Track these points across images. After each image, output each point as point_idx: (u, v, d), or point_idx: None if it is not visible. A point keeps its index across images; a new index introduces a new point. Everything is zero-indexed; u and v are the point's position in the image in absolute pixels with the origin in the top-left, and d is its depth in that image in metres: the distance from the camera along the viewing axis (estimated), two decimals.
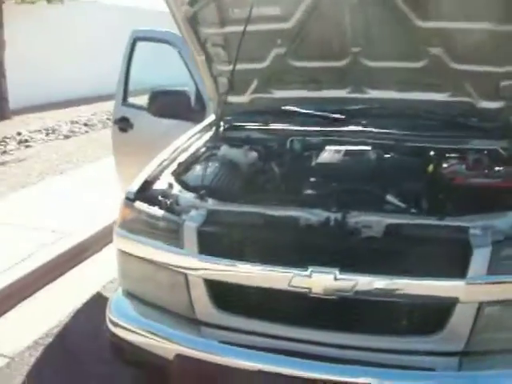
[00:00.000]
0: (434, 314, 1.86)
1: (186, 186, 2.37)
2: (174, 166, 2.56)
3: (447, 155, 2.64)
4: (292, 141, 2.90)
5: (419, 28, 2.39)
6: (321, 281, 1.85)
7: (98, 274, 3.96)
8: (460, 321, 1.82)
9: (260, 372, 1.92)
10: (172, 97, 3.49)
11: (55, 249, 4.19)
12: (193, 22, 2.55)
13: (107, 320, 2.30)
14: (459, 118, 2.79)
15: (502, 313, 1.85)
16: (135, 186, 2.33)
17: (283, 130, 2.94)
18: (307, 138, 2.88)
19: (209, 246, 2.04)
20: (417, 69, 2.62)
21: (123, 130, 4.21)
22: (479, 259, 1.79)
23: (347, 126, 2.84)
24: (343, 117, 2.89)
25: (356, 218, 1.95)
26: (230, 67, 2.82)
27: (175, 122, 3.66)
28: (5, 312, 3.52)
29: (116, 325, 2.25)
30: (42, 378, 2.89)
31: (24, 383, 2.83)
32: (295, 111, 3.02)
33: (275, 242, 2.00)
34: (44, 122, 10.16)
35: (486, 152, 2.61)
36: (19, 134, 9.14)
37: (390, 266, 1.84)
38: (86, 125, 10.23)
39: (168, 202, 2.21)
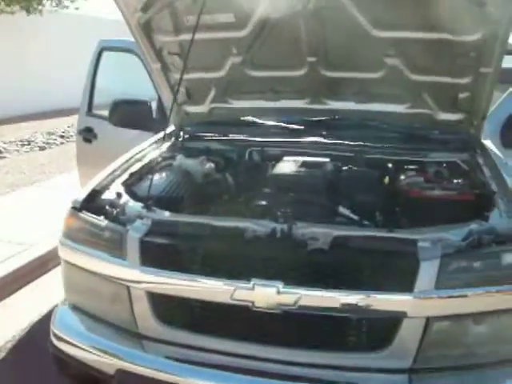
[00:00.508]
0: (381, 330, 1.80)
1: (135, 196, 2.30)
2: (126, 175, 2.49)
3: (406, 167, 2.62)
4: (249, 151, 2.87)
5: (375, 38, 2.37)
6: (264, 294, 1.78)
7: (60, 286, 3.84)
8: (407, 336, 1.76)
9: None
10: (133, 106, 3.42)
11: (17, 260, 4.08)
12: (147, 29, 2.50)
13: (51, 333, 2.22)
14: (419, 130, 2.78)
15: (450, 328, 1.80)
16: (82, 195, 2.26)
17: (242, 140, 2.90)
18: (265, 149, 2.85)
19: (151, 257, 1.97)
20: (375, 79, 2.60)
21: (87, 140, 4.14)
22: (426, 273, 1.74)
23: (306, 136, 2.82)
24: (302, 127, 2.87)
25: (303, 230, 1.89)
26: (187, 76, 2.79)
27: (139, 132, 3.60)
28: None
29: (58, 338, 2.16)
30: None
31: None
32: (254, 122, 2.99)
33: (219, 253, 1.94)
34: (20, 133, 10.03)
35: (445, 165, 2.60)
36: None
37: (336, 280, 1.79)
38: (61, 136, 10.12)
39: (114, 212, 2.14)
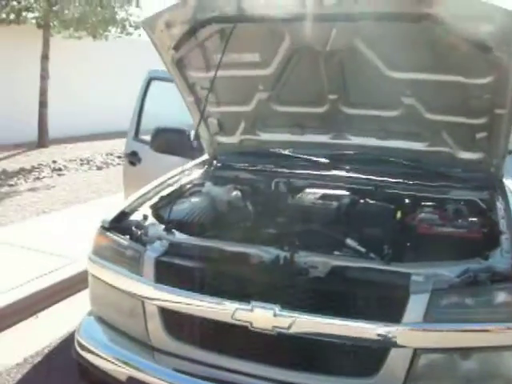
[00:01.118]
0: (370, 357, 1.88)
1: (160, 218, 2.49)
2: (156, 199, 2.70)
3: (422, 204, 2.69)
4: (273, 182, 3.02)
5: (391, 78, 2.48)
6: (261, 316, 1.92)
7: None
8: (395, 366, 1.84)
9: None
10: (173, 134, 3.65)
11: (60, 274, 4.37)
12: (180, 65, 2.72)
13: (75, 341, 2.42)
14: (441, 167, 2.84)
15: (438, 361, 1.86)
16: (111, 215, 2.48)
17: (269, 171, 3.06)
18: (288, 180, 2.99)
19: (165, 276, 2.15)
20: (393, 117, 2.70)
21: (132, 163, 4.42)
22: (415, 305, 1.82)
23: (329, 170, 2.94)
24: (327, 161, 3.00)
25: (304, 258, 2.02)
26: (218, 109, 2.99)
27: (178, 158, 3.82)
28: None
29: (81, 346, 2.36)
30: None
31: None
32: (283, 154, 3.15)
33: (226, 275, 2.09)
34: (80, 152, 10.59)
35: (462, 203, 2.65)
36: (54, 162, 9.56)
37: (330, 307, 1.89)
38: (119, 157, 10.59)
39: (138, 233, 2.34)
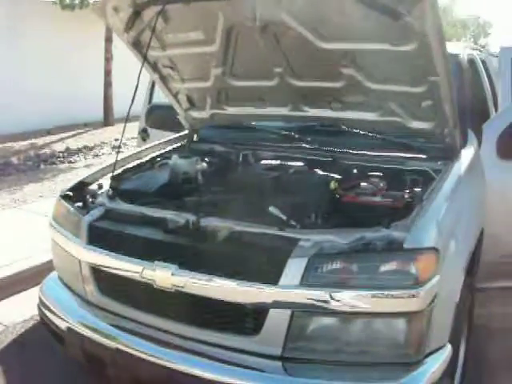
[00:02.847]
0: (254, 316, 1.99)
1: (115, 188, 2.71)
2: (120, 170, 2.93)
3: (369, 174, 2.71)
4: (240, 156, 3.15)
5: (323, 49, 2.50)
6: (161, 274, 2.09)
7: None
8: (275, 326, 1.94)
9: (117, 350, 2.21)
10: (165, 111, 3.86)
11: None
12: (137, 46, 2.88)
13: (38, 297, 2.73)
14: (396, 137, 2.83)
15: (313, 323, 1.94)
16: (70, 184, 2.75)
17: (241, 145, 3.19)
18: (253, 154, 3.11)
19: (95, 238, 2.38)
20: (339, 89, 2.72)
21: (143, 139, 4.70)
22: (293, 269, 1.90)
23: (291, 142, 3.03)
24: (291, 133, 3.08)
25: (209, 223, 2.16)
26: (183, 85, 3.16)
27: (174, 134, 4.04)
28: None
29: (40, 301, 2.65)
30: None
31: None
32: (257, 128, 3.27)
33: (143, 238, 2.27)
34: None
35: (410, 173, 2.64)
36: (116, 140, 10.15)
37: (219, 268, 2.02)
38: None
39: (89, 200, 2.59)
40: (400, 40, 2.30)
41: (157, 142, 3.41)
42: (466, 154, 2.76)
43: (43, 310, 2.60)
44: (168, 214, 2.28)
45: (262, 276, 1.95)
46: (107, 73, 11.41)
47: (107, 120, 11.55)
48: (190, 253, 2.13)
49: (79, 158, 8.83)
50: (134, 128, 11.68)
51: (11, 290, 4.04)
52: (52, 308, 2.53)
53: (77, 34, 11.34)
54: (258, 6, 2.42)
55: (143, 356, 2.13)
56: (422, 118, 2.69)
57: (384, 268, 1.89)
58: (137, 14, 2.66)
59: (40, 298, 2.66)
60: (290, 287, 1.90)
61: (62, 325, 2.44)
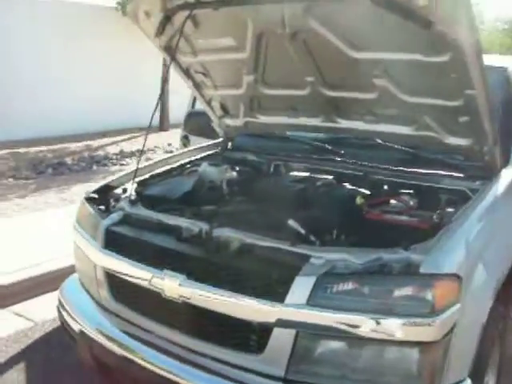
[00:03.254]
0: (258, 334, 1.91)
1: (139, 193, 2.70)
2: (148, 175, 2.92)
3: (401, 191, 2.58)
4: (272, 166, 3.08)
5: (355, 59, 2.39)
6: (169, 284, 2.05)
7: None
8: (279, 345, 1.85)
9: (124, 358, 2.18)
10: (203, 117, 3.83)
11: None
12: (169, 51, 2.86)
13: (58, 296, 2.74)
14: (432, 154, 2.68)
15: (320, 346, 1.83)
16: (94, 187, 2.75)
17: (274, 155, 3.12)
18: (284, 164, 3.03)
19: (111, 243, 2.36)
20: (372, 100, 2.60)
21: (185, 145, 4.72)
22: (300, 287, 1.81)
23: (323, 154, 2.93)
24: (324, 145, 2.99)
25: (222, 233, 2.10)
26: (216, 92, 3.12)
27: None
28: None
29: (60, 302, 2.67)
30: None
31: None
32: (291, 138, 3.19)
33: (156, 245, 2.23)
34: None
35: (445, 192, 2.49)
36: (169, 144, 10.31)
37: (227, 281, 1.95)
38: None
39: (111, 204, 2.59)
40: (432, 50, 2.17)
41: (191, 148, 3.39)
42: (508, 174, 2.57)
43: (61, 310, 2.61)
44: (183, 223, 2.23)
45: (268, 292, 1.87)
46: (165, 80, 11.59)
47: (162, 125, 11.77)
48: (199, 263, 2.08)
49: (131, 160, 8.99)
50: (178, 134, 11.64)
51: (51, 287, 4.12)
52: (68, 309, 2.54)
53: (135, 40, 11.60)
54: (286, 12, 2.35)
55: (147, 365, 2.09)
56: (459, 134, 2.53)
57: (398, 293, 1.76)
58: (167, 18, 2.64)
59: (59, 299, 2.67)
60: (296, 306, 1.80)
61: (76, 327, 2.44)
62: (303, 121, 3.00)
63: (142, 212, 2.43)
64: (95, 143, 10.33)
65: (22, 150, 9.13)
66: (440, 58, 2.16)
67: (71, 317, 2.49)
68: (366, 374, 1.80)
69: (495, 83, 3.04)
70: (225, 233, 2.09)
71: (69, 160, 8.74)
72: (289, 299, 1.81)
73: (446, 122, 2.51)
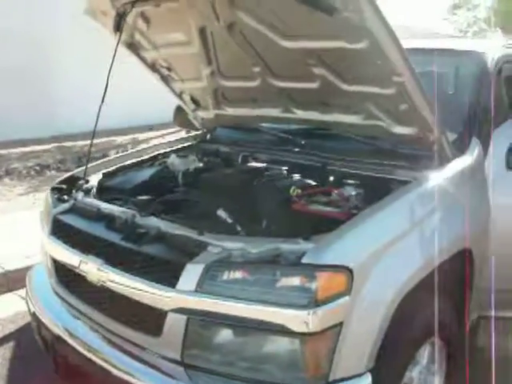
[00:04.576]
0: (157, 318, 1.96)
1: (100, 183, 2.84)
2: (114, 167, 3.06)
3: (347, 182, 2.55)
4: (238, 156, 3.12)
5: (287, 48, 2.39)
6: (90, 268, 2.17)
7: None
8: (173, 330, 1.91)
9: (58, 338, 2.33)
10: None
11: None
12: (133, 47, 2.96)
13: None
14: (383, 143, 2.62)
15: (206, 332, 1.88)
16: (61, 178, 2.92)
17: (239, 146, 3.17)
18: (243, 155, 3.06)
19: (56, 230, 2.52)
20: (316, 90, 2.58)
21: None
22: (190, 274, 1.87)
23: (287, 145, 2.93)
24: (288, 136, 2.99)
25: (140, 221, 2.20)
26: (184, 85, 3.20)
27: None
28: None
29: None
30: None
31: None
32: (256, 129, 3.22)
33: (90, 233, 2.34)
34: None
35: (392, 182, 2.44)
36: None
37: (135, 267, 2.04)
38: None
39: (70, 194, 2.74)
40: (352, 37, 2.13)
41: (171, 140, 3.50)
42: (460, 164, 2.48)
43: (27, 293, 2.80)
44: (117, 212, 2.34)
45: (164, 279, 1.94)
46: None
47: None
48: (117, 250, 2.17)
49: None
50: None
51: None
52: (28, 292, 2.72)
53: None
54: (216, 5, 2.38)
55: (75, 345, 2.22)
56: (403, 123, 2.46)
57: (281, 283, 1.78)
58: (120, 16, 2.73)
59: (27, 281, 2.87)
60: (185, 293, 1.86)
61: (31, 309, 2.61)
62: (265, 112, 3.01)
63: (87, 201, 2.56)
64: (141, 136, 10.69)
65: (68, 144, 9.62)
66: (360, 44, 2.13)
67: (29, 300, 2.66)
68: (252, 362, 1.82)
69: (471, 69, 2.94)
70: (147, 221, 2.18)
71: (113, 153, 9.11)
72: (179, 286, 1.88)
73: (389, 110, 2.46)
